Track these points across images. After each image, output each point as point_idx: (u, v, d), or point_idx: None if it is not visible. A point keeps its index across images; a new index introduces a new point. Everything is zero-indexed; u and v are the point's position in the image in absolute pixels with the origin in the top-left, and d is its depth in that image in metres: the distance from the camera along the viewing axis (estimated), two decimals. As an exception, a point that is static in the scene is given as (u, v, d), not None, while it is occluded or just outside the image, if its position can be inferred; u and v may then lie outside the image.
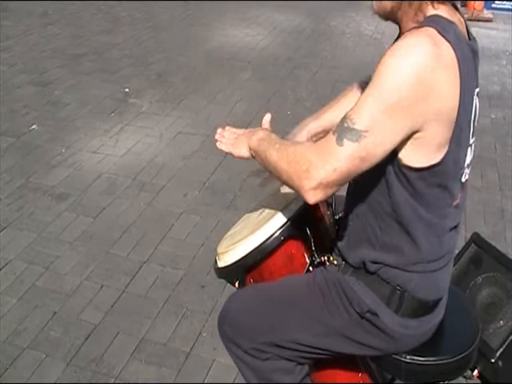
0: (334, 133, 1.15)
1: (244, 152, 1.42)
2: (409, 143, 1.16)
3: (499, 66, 5.46)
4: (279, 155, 1.25)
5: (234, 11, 6.85)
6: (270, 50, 5.65)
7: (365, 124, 1.10)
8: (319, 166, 1.14)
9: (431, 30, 1.11)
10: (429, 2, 1.18)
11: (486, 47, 5.83)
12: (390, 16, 1.25)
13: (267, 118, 1.54)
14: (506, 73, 5.30)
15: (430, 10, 1.18)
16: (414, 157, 1.17)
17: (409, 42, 1.11)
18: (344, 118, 1.14)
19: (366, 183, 1.22)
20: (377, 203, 1.29)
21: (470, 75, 1.18)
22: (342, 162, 1.13)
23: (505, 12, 7.10)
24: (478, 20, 6.66)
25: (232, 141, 1.48)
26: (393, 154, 1.17)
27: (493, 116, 4.38)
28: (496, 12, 7.06)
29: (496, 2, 7.19)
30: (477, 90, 1.24)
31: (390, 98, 1.09)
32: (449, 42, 1.11)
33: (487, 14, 6.90)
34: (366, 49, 5.64)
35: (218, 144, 1.53)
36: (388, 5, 1.22)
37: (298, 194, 1.22)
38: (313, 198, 1.17)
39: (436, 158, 1.18)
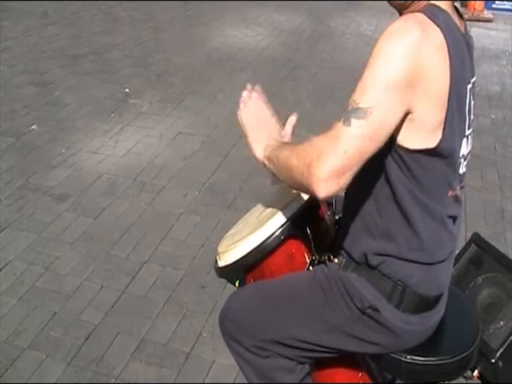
0: (340, 119, 1.15)
1: (258, 153, 1.39)
2: (404, 125, 1.18)
3: (499, 66, 5.46)
4: (290, 153, 1.25)
5: (233, 11, 6.86)
6: (269, 51, 5.65)
7: (368, 102, 1.12)
8: (329, 151, 1.12)
9: (420, 15, 1.16)
10: (430, 2, 1.22)
11: (486, 47, 5.83)
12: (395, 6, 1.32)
13: (292, 120, 1.51)
14: (506, 73, 5.30)
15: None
16: (408, 138, 1.19)
17: (397, 25, 1.15)
18: (347, 104, 1.15)
19: (363, 171, 1.22)
20: (375, 189, 1.29)
21: (462, 64, 1.21)
22: (352, 141, 1.12)
23: (505, 12, 7.10)
24: (478, 20, 6.66)
25: (254, 118, 1.44)
26: (390, 138, 1.18)
27: (493, 116, 4.38)
28: (496, 12, 7.06)
29: (496, 2, 7.19)
30: (469, 85, 1.26)
31: (386, 77, 1.12)
32: (438, 26, 1.15)
33: (487, 14, 6.90)
34: (366, 49, 5.63)
35: (239, 111, 1.46)
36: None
37: (310, 192, 1.17)
38: (324, 190, 1.13)
39: (430, 143, 1.19)
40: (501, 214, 3.21)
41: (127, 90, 4.65)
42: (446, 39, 1.15)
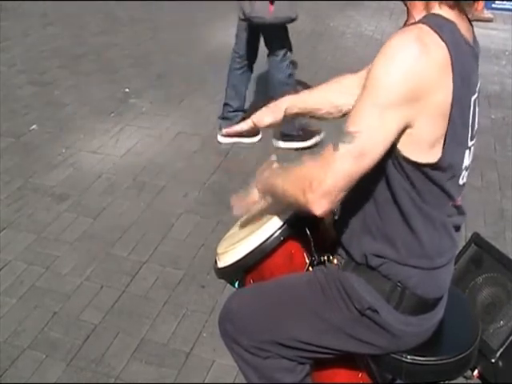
0: (331, 143, 1.19)
1: (255, 195, 1.51)
2: (403, 137, 1.18)
3: (499, 66, 5.46)
4: (284, 181, 1.34)
5: (234, 11, 6.83)
6: (269, 50, 5.64)
7: (357, 126, 1.15)
8: (321, 176, 1.18)
9: (424, 27, 1.13)
10: (437, 2, 1.19)
11: (486, 47, 5.81)
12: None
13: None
14: (505, 73, 5.30)
15: (436, 9, 1.19)
16: (410, 150, 1.19)
17: (396, 43, 1.13)
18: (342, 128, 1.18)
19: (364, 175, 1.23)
20: (376, 192, 1.30)
21: (468, 78, 1.19)
22: (341, 165, 1.16)
23: (505, 12, 7.09)
24: (478, 20, 6.64)
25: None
26: (391, 146, 1.18)
27: (492, 116, 4.37)
28: (496, 12, 7.04)
29: (496, 2, 7.18)
30: (474, 96, 1.24)
31: (380, 99, 1.13)
32: (441, 38, 1.12)
33: (487, 14, 6.88)
34: (366, 49, 5.63)
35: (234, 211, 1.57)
36: None
37: (306, 211, 1.24)
38: (319, 208, 1.20)
39: (430, 158, 1.19)
40: (501, 214, 3.21)
41: (127, 90, 4.65)
42: (450, 54, 1.12)
